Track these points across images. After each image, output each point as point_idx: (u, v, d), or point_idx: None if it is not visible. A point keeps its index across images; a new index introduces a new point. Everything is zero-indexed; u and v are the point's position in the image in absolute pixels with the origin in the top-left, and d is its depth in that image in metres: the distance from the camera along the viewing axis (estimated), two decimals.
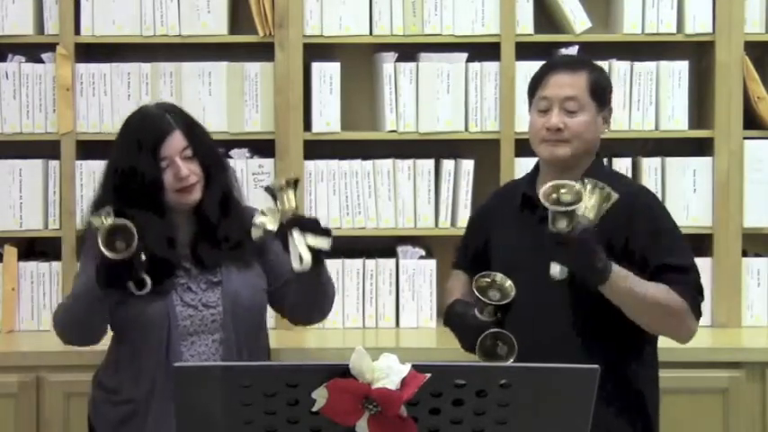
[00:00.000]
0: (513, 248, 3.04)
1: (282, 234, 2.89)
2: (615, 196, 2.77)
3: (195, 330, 3.05)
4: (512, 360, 2.78)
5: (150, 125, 3.05)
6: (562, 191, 2.75)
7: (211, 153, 3.12)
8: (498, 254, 3.11)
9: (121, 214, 2.96)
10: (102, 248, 2.83)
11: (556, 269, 2.79)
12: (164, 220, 3.05)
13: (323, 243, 2.89)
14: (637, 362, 2.98)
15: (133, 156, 3.03)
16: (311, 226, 2.90)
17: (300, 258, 2.86)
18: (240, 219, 3.10)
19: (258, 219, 2.91)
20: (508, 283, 2.84)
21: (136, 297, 2.97)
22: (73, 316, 3.05)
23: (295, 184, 2.94)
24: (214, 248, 3.09)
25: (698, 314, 2.94)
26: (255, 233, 2.91)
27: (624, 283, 2.83)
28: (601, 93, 3.02)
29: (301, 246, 2.87)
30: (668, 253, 2.94)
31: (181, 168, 3.01)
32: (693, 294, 2.93)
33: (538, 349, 2.82)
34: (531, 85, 3.08)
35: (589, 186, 2.77)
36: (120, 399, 3.05)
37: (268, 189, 2.95)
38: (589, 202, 2.76)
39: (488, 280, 2.86)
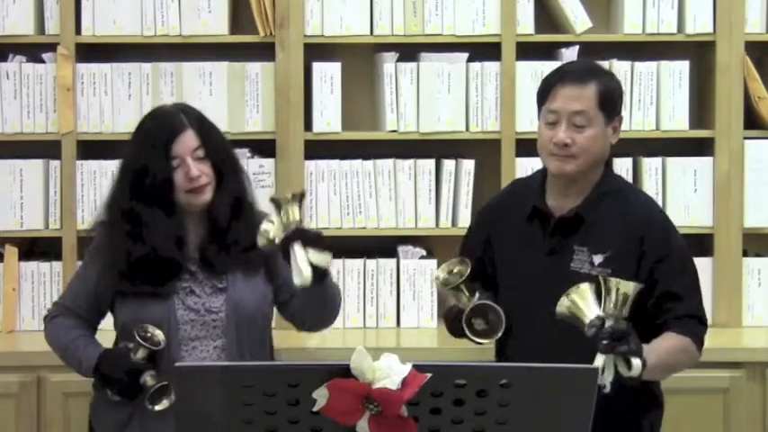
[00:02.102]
0: (518, 261, 3.01)
1: (284, 247, 2.86)
2: (637, 286, 2.73)
3: (197, 335, 3.03)
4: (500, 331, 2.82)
5: (163, 123, 3.04)
6: None
7: (225, 155, 3.09)
8: (502, 264, 3.06)
9: (133, 212, 2.98)
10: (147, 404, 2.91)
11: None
12: (173, 219, 3.03)
13: (324, 259, 2.86)
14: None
15: (145, 153, 3.02)
16: (313, 240, 2.86)
17: (301, 273, 2.84)
18: (252, 223, 3.06)
19: (264, 226, 2.89)
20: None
21: (137, 297, 3.00)
22: (60, 355, 3.11)
23: (301, 197, 2.91)
24: (223, 252, 3.06)
25: (702, 345, 2.99)
26: (260, 241, 2.90)
27: (654, 360, 2.78)
28: (610, 104, 2.96)
29: (302, 261, 2.83)
30: (673, 278, 2.93)
31: (191, 168, 2.99)
32: (698, 331, 2.97)
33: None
34: (539, 94, 3.02)
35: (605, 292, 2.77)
36: (119, 401, 3.02)
37: (273, 200, 2.93)
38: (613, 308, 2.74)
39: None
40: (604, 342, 2.63)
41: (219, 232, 3.06)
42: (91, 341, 3.06)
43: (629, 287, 2.71)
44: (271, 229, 2.87)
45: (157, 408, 2.89)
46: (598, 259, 2.92)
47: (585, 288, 2.73)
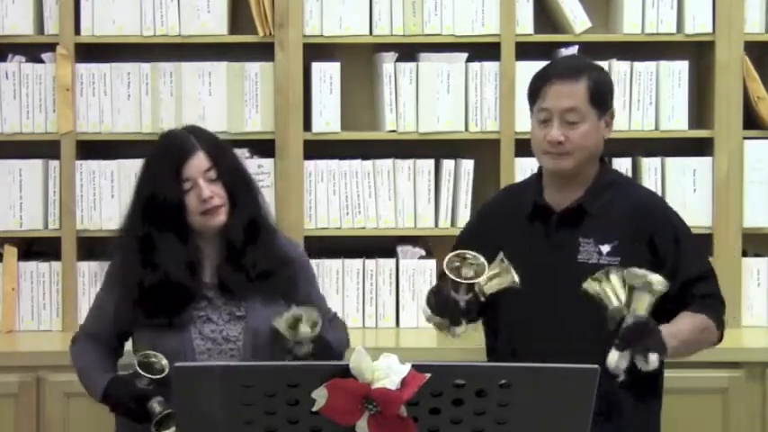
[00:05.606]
0: (526, 265, 2.95)
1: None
2: (659, 287, 2.74)
3: None
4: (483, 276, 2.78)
5: (173, 146, 2.99)
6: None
7: (237, 175, 3.03)
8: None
9: (147, 239, 2.95)
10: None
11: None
12: (186, 244, 2.97)
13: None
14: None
15: (156, 178, 2.97)
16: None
17: None
18: (269, 246, 3.03)
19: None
20: (481, 259, 2.82)
21: (152, 328, 2.95)
22: (79, 379, 3.07)
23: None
24: (241, 275, 2.99)
25: (723, 326, 3.00)
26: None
27: (675, 344, 2.82)
28: (601, 98, 2.97)
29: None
30: (691, 262, 2.97)
31: (203, 190, 2.93)
32: (719, 311, 2.99)
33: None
34: (530, 93, 3.03)
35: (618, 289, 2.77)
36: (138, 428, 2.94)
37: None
38: (636, 303, 2.76)
39: (459, 259, 2.83)
40: (619, 341, 2.69)
41: (236, 255, 3.00)
42: (103, 369, 3.00)
43: (655, 281, 2.73)
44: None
45: None
46: (605, 249, 2.94)
47: (616, 278, 2.76)
